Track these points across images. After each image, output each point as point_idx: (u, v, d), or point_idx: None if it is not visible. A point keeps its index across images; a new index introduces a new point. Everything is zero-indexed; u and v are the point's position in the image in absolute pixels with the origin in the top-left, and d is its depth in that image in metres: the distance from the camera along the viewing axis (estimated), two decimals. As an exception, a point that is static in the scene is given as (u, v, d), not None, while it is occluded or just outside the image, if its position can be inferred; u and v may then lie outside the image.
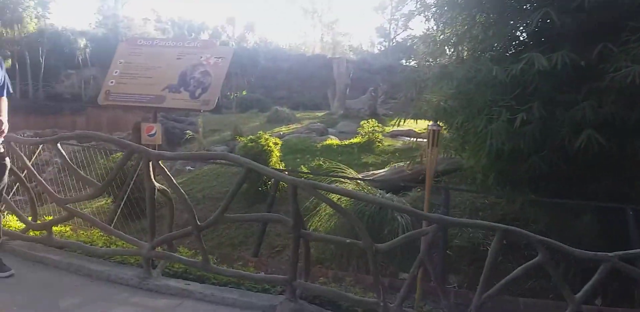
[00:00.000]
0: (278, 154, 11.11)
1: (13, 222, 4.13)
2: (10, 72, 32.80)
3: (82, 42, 36.90)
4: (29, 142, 3.67)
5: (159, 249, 3.31)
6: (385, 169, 10.77)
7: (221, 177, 12.11)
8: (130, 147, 3.30)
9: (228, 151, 17.98)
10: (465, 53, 5.36)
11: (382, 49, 51.26)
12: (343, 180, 7.74)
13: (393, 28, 50.19)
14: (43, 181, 3.59)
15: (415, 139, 15.56)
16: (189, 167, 16.43)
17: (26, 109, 33.03)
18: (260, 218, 3.52)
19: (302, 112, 26.25)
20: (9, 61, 33.51)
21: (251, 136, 11.66)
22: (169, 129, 18.36)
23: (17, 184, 3.80)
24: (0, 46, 33.20)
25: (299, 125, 21.25)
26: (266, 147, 10.83)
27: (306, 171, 10.93)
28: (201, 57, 3.80)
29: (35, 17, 36.89)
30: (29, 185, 3.73)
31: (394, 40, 49.54)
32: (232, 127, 19.14)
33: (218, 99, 3.56)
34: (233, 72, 29.39)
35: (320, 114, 25.81)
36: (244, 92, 34.17)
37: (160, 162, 3.25)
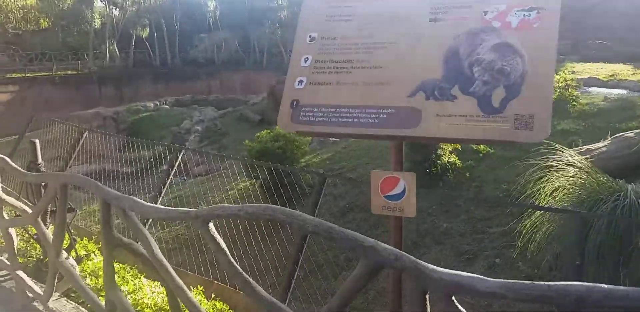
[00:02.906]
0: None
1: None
2: (149, 40, 33.89)
3: (211, 5, 36.66)
4: (176, 217, 1.83)
5: None
6: (605, 143, 7.85)
7: (372, 151, 10.25)
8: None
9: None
10: None
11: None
12: (556, 163, 5.46)
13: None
14: None
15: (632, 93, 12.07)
16: (333, 139, 14.89)
17: (166, 76, 34.08)
18: None
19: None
20: (147, 29, 34.47)
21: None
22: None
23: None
24: (138, 15, 34.09)
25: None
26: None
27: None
28: (485, 12, 1.50)
29: (168, -17, 37.27)
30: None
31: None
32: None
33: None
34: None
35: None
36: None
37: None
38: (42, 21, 35.17)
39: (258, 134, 10.20)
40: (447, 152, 8.38)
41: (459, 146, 8.93)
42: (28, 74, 29.37)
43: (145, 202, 1.80)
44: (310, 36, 1.93)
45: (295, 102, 1.85)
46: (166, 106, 27.21)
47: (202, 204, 10.62)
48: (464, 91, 1.65)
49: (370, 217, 7.96)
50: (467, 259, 6.79)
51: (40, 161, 3.14)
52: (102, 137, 20.56)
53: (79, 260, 3.04)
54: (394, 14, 1.84)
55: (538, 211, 5.19)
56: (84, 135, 5.15)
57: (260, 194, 8.79)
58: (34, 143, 3.18)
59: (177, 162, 3.93)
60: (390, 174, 1.67)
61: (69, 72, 31.26)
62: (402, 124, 1.66)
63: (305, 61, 1.90)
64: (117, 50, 34.05)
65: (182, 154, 4.01)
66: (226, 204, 1.63)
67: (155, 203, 3.94)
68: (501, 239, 6.84)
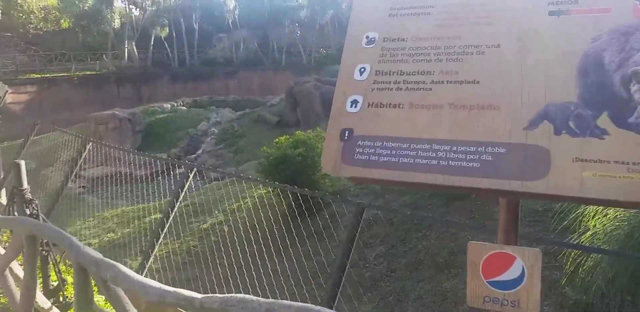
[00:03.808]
0: None
1: None
2: (168, 40, 33.69)
3: (230, 4, 36.33)
4: (174, 304, 1.28)
5: None
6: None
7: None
8: None
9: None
10: None
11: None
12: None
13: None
14: None
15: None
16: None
17: (184, 76, 33.84)
18: None
19: None
20: (166, 29, 34.26)
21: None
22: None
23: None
24: (157, 15, 33.89)
25: None
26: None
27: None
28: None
29: (187, -18, 37.03)
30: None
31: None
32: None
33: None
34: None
35: None
36: None
37: None
38: (62, 21, 35.25)
39: (277, 139, 9.68)
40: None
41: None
42: (47, 75, 29.39)
43: (133, 275, 1.23)
44: (367, 37, 1.35)
45: (347, 132, 1.27)
46: (183, 107, 26.91)
47: (216, 212, 10.13)
48: (618, 123, 1.06)
49: (395, 232, 7.41)
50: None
51: (25, 186, 2.63)
52: (118, 138, 20.20)
53: (65, 307, 2.51)
54: (494, 4, 1.25)
55: (588, 230, 4.57)
56: (87, 148, 4.66)
57: (277, 204, 8.29)
58: (18, 165, 2.67)
59: (188, 183, 3.41)
60: (500, 249, 1.09)
61: (88, 72, 31.25)
62: (519, 173, 1.07)
63: (361, 73, 1.33)
64: (135, 50, 33.92)
65: (193, 172, 3.49)
66: (247, 296, 1.05)
67: (163, 229, 3.41)
68: (543, 259, 6.28)
